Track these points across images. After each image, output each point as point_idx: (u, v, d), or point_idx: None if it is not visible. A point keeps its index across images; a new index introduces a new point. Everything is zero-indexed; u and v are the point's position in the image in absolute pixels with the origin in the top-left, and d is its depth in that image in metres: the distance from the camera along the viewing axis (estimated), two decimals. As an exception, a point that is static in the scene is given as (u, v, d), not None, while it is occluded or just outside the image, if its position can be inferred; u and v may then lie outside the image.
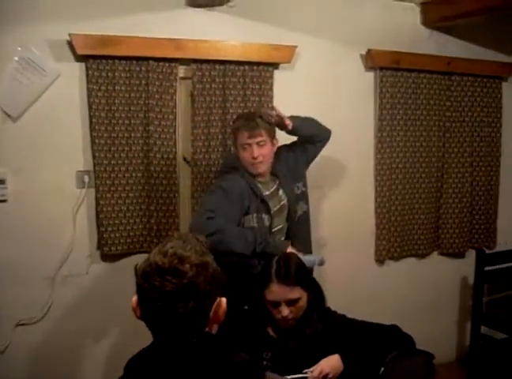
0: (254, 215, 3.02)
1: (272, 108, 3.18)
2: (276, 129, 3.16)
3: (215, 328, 1.55)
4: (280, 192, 3.17)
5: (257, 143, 3.00)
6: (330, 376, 2.33)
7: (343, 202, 4.06)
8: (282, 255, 2.65)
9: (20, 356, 3.36)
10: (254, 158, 3.01)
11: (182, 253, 1.45)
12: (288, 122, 3.12)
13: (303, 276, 2.53)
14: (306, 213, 3.32)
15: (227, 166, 3.23)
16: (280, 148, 3.24)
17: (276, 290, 2.44)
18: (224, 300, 1.53)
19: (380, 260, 4.23)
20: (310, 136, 3.30)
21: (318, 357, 2.38)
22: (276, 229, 3.12)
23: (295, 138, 3.34)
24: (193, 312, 1.44)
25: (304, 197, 3.30)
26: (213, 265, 1.50)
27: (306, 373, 2.32)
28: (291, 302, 2.44)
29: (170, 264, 1.43)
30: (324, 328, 2.50)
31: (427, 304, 4.40)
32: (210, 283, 1.47)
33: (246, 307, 2.61)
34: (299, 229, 3.24)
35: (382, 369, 2.36)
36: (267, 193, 3.11)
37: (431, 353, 2.47)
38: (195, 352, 1.46)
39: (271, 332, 2.53)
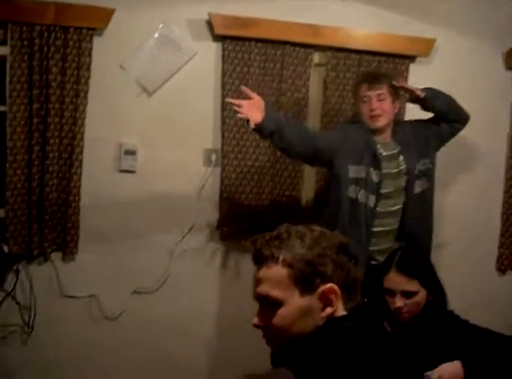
0: (364, 167, 3.00)
1: (398, 81, 3.14)
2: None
3: None
4: (401, 158, 3.09)
5: (377, 96, 3.01)
6: None
7: (468, 204, 3.90)
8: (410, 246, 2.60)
9: (133, 323, 3.46)
10: (372, 110, 3.00)
11: None
12: (420, 92, 3.06)
13: (425, 272, 2.46)
14: (428, 192, 3.20)
15: (346, 122, 3.28)
16: (413, 120, 3.23)
17: (393, 279, 2.40)
18: None
19: (501, 270, 4.04)
20: (446, 112, 3.17)
21: (435, 359, 2.30)
22: (385, 191, 3.05)
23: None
24: None
25: (428, 174, 3.19)
26: None
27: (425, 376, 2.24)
28: (407, 294, 2.39)
29: None
30: (444, 330, 2.41)
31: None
32: None
33: (365, 299, 2.56)
34: (416, 205, 3.14)
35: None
36: (384, 153, 3.06)
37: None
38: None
39: (387, 327, 2.47)
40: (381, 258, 3.05)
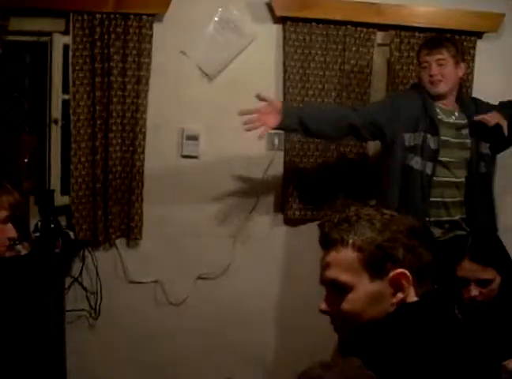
0: (421, 134, 2.92)
1: (483, 119, 2.97)
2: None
3: None
4: (466, 131, 2.98)
5: (437, 61, 2.93)
6: None
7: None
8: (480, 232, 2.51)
9: (197, 309, 3.46)
10: (432, 75, 2.92)
11: None
12: (504, 131, 2.89)
13: (500, 258, 2.37)
14: (485, 176, 3.06)
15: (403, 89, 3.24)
16: (494, 106, 3.08)
17: (468, 268, 2.31)
18: None
19: None
20: None
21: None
22: (444, 159, 2.94)
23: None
24: None
25: (486, 160, 3.05)
26: None
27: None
28: (482, 283, 2.30)
29: None
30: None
31: None
32: None
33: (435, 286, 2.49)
34: (480, 184, 3.03)
35: None
36: (444, 119, 2.96)
37: None
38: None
39: (457, 313, 2.39)
40: (436, 231, 2.98)
